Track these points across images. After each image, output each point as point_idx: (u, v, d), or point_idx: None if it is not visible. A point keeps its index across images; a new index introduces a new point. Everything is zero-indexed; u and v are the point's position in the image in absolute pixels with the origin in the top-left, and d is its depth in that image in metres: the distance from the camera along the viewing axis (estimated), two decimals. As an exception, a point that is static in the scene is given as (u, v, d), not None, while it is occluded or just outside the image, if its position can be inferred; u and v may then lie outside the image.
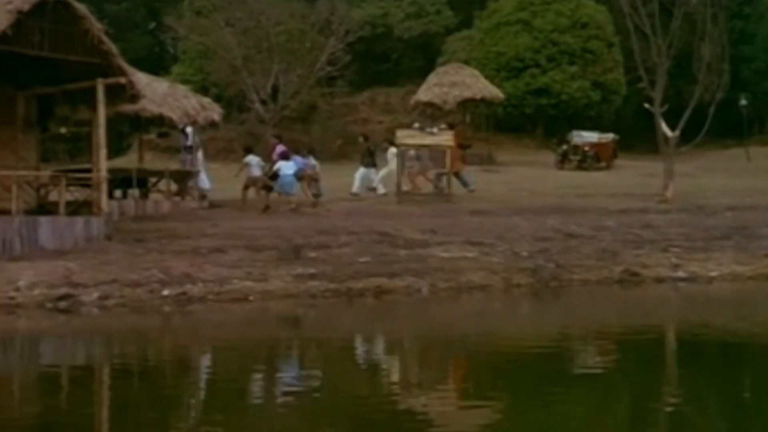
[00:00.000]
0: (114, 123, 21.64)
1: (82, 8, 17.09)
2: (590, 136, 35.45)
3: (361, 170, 24.31)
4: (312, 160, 23.38)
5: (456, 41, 41.07)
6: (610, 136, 36.03)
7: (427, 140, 22.74)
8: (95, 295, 14.56)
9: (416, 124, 24.53)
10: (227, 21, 39.14)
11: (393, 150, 23.87)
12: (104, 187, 17.88)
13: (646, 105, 25.11)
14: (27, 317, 13.96)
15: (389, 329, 13.84)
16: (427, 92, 35.11)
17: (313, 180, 22.72)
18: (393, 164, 23.80)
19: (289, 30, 38.10)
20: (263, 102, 38.57)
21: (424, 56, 43.55)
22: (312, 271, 16.36)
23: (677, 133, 24.25)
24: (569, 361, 10.95)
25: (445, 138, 22.83)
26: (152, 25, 51.15)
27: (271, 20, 38.35)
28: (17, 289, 14.51)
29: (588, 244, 19.43)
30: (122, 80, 17.65)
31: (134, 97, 18.24)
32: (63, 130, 20.07)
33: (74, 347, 12.54)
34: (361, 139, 25.77)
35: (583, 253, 18.70)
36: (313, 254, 17.48)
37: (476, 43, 39.96)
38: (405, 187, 22.96)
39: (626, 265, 17.97)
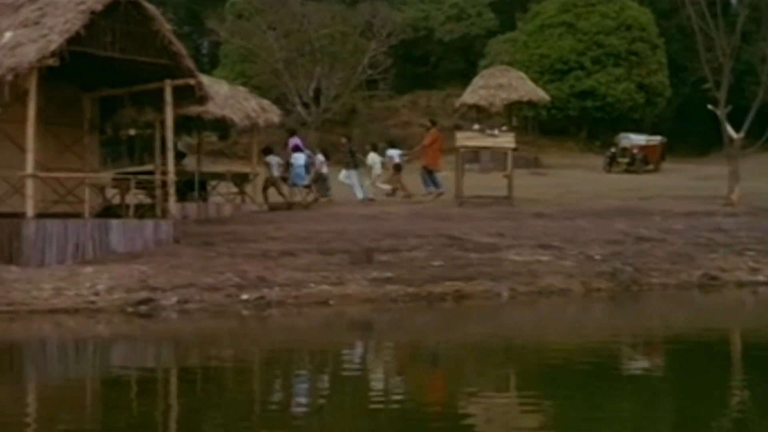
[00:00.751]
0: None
1: (152, 8, 16.85)
2: (638, 139, 35.11)
3: (343, 172, 24.21)
4: (321, 157, 23.66)
5: (499, 44, 40.78)
6: (658, 138, 35.68)
7: (488, 142, 22.41)
8: (174, 299, 14.31)
9: (476, 126, 24.25)
10: (269, 24, 39.06)
11: (372, 155, 24.01)
12: (173, 190, 17.64)
13: (710, 107, 24.64)
14: (107, 321, 13.71)
15: (481, 333, 13.47)
16: (472, 94, 34.52)
17: (321, 178, 23.32)
18: (377, 169, 23.86)
19: (332, 33, 37.93)
20: (305, 105, 38.43)
21: (465, 59, 43.29)
22: (388, 275, 16.06)
23: (742, 134, 23.81)
24: (667, 367, 10.62)
25: (506, 140, 22.49)
26: (188, 28, 51.13)
27: (313, 23, 38.22)
28: (96, 293, 14.28)
29: (660, 247, 19.04)
30: (191, 82, 17.41)
31: (202, 99, 17.99)
32: (132, 131, 19.87)
33: (159, 352, 12.28)
34: (344, 140, 25.36)
35: (658, 256, 18.32)
36: (384, 258, 17.17)
37: (519, 45, 39.69)
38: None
39: (704, 269, 17.58)
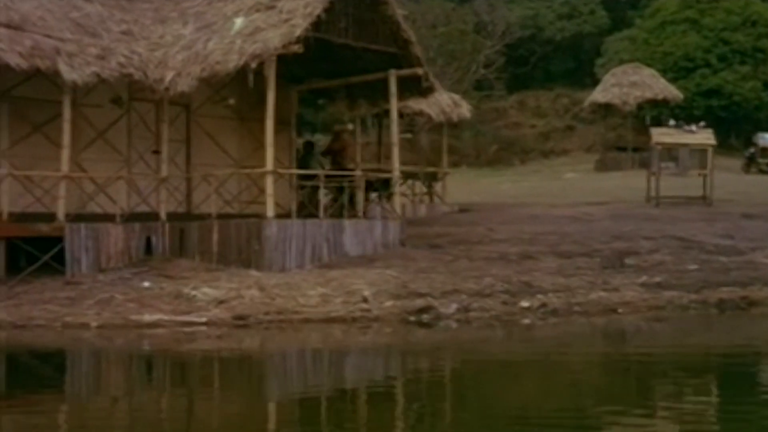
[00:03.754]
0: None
1: (384, -9, 15.61)
2: (776, 139, 33.50)
3: None
4: None
5: (617, 41, 39.27)
6: (795, 138, 34.07)
7: (687, 139, 20.98)
8: (454, 306, 12.95)
9: (672, 122, 22.79)
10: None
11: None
12: (398, 189, 16.33)
13: None
14: (383, 332, 12.36)
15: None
16: (604, 93, 33.40)
17: None
18: None
19: (449, 31, 36.59)
20: (418, 106, 37.05)
21: (574, 58, 41.83)
22: (657, 279, 14.67)
23: None
24: None
25: (705, 136, 21.07)
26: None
27: (427, 22, 36.90)
28: (365, 300, 12.94)
29: None
30: (419, 71, 16.07)
31: (428, 90, 16.67)
32: (350, 126, 18.63)
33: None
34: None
35: None
36: (631, 261, 15.82)
37: (640, 43, 38.12)
38: None
39: None
